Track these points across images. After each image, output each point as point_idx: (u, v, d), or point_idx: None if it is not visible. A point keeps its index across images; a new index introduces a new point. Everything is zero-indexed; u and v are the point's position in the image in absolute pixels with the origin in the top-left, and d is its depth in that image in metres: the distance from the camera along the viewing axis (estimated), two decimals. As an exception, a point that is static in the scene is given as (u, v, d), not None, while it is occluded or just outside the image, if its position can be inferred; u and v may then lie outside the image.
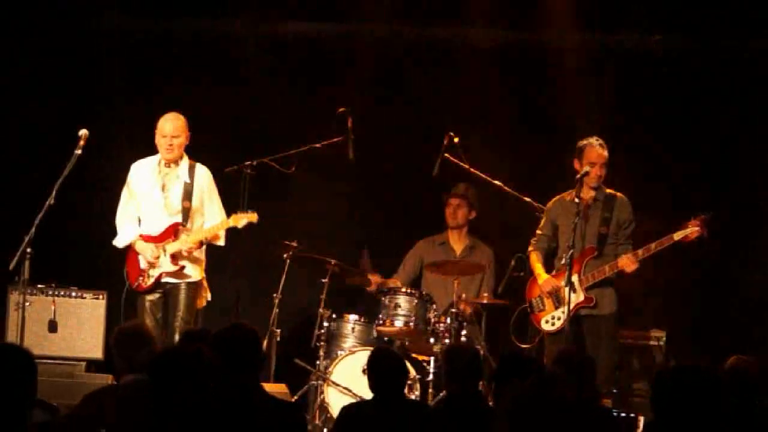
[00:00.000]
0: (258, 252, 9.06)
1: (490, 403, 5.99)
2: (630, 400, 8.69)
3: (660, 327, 9.08)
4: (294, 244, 8.60)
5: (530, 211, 8.72)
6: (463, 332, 8.44)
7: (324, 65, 9.74)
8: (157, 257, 7.94)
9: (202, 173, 8.10)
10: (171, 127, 8.00)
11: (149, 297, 8.00)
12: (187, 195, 8.02)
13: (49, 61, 9.51)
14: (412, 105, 9.70)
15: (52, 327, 8.56)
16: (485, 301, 8.58)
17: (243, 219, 7.94)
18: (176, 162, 8.05)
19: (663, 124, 9.48)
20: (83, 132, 7.64)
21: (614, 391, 8.15)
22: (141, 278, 8.00)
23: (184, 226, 7.99)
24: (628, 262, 7.85)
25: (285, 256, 8.57)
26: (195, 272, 8.04)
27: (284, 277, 8.53)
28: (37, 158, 9.07)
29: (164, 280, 7.98)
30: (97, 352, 8.69)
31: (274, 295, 8.49)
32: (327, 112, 8.96)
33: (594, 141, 8.06)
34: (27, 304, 7.47)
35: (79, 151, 7.58)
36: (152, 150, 8.09)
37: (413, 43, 9.75)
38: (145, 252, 7.98)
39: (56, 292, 8.69)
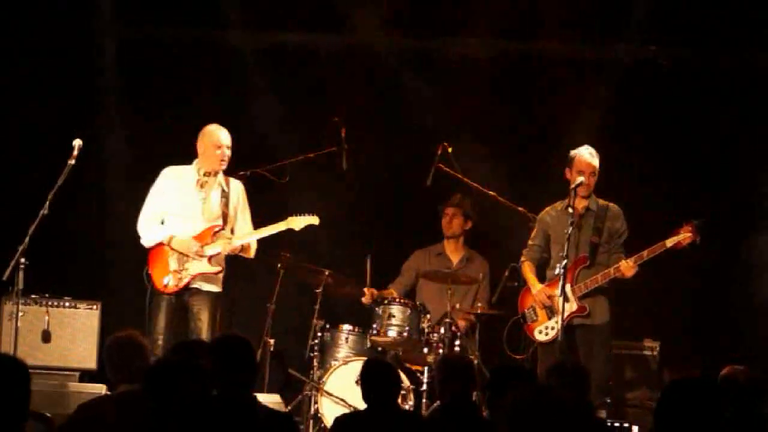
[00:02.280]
0: (252, 262, 9.06)
1: (484, 413, 5.99)
2: (624, 410, 8.67)
3: (654, 336, 9.08)
4: (287, 254, 8.60)
5: (524, 221, 8.72)
6: (457, 342, 8.43)
7: (319, 75, 9.74)
8: (199, 254, 7.90)
9: (236, 185, 8.13)
10: (226, 136, 7.98)
11: (170, 299, 7.93)
12: (225, 202, 8.02)
13: (45, 72, 9.47)
14: (407, 115, 9.70)
15: (46, 337, 8.56)
16: (479, 312, 8.58)
17: (302, 222, 7.95)
18: (216, 173, 8.04)
19: (658, 135, 9.48)
20: (77, 142, 7.65)
21: (608, 401, 8.12)
22: (170, 278, 7.91)
23: (224, 229, 7.98)
24: (628, 267, 7.86)
25: (279, 266, 8.57)
26: (220, 283, 8.04)
27: (278, 287, 8.53)
28: (34, 166, 9.03)
29: (193, 285, 7.93)
30: (90, 363, 8.68)
31: (268, 305, 8.49)
32: (322, 122, 8.97)
33: (584, 150, 8.05)
34: (20, 314, 7.47)
35: (72, 162, 7.59)
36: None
37: (408, 53, 9.75)
38: (190, 247, 7.91)
39: (50, 303, 8.69)
